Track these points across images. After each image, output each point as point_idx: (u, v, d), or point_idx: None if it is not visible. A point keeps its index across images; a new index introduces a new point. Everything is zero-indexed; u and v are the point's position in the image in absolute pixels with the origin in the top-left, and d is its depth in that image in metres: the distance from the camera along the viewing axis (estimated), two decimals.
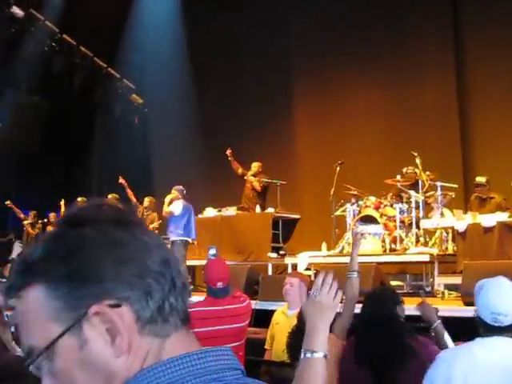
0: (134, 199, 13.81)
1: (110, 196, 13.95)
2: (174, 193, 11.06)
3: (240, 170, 12.41)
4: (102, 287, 0.86)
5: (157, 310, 0.89)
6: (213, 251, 6.97)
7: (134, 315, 0.87)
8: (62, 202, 15.01)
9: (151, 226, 13.14)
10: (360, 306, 4.22)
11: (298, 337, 4.39)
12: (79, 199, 14.49)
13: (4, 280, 6.85)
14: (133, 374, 0.87)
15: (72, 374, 0.87)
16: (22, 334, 0.91)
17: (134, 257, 0.89)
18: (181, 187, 11.14)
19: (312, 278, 9.10)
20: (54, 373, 0.88)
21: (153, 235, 0.98)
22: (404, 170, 10.55)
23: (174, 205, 10.83)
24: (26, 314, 0.90)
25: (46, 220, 16.02)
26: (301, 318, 4.48)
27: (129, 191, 13.77)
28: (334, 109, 14.15)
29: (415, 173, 10.40)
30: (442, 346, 3.98)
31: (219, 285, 4.70)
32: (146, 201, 13.41)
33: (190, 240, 10.86)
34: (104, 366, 0.87)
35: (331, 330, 4.35)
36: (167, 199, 11.00)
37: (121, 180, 13.47)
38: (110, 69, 18.11)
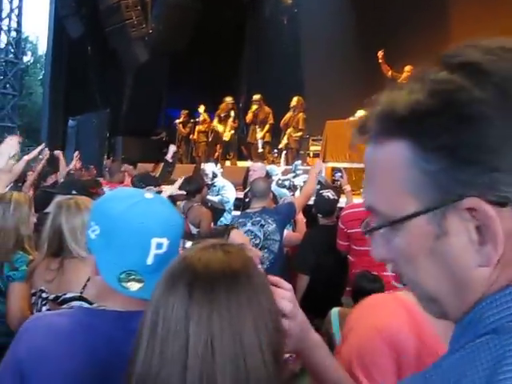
0: None
1: (255, 96, 14.16)
2: None
3: (390, 73, 11.96)
4: (491, 177, 0.67)
5: None
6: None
7: None
8: (202, 109, 15.75)
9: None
10: None
11: None
12: (227, 99, 14.93)
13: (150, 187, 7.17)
14: (494, 291, 0.72)
15: (415, 258, 0.76)
16: (366, 185, 0.81)
17: None
18: None
19: None
20: (394, 245, 0.77)
21: None
22: None
23: None
24: (379, 169, 0.77)
25: (196, 120, 16.48)
26: None
27: None
28: None
29: None
30: None
31: None
32: (294, 100, 13.40)
33: None
34: (458, 268, 0.72)
35: None
36: None
37: None
38: None
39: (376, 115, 0.76)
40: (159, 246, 1.37)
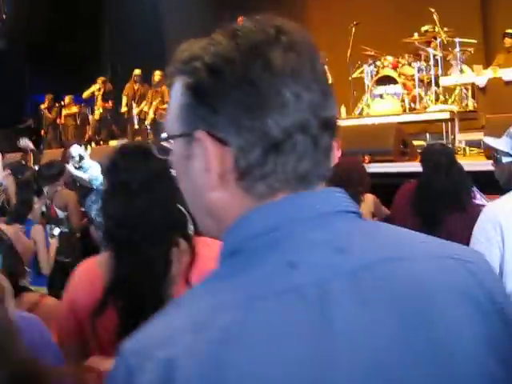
0: None
1: (136, 71, 14.01)
2: None
3: None
4: (216, 118, 0.81)
5: (257, 165, 0.81)
6: None
7: (233, 160, 0.82)
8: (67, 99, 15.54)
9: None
10: None
11: None
12: (99, 79, 14.68)
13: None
14: (229, 215, 0.84)
15: (179, 176, 0.91)
16: None
17: (260, 107, 0.80)
18: None
19: None
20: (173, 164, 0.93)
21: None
22: (422, 28, 10.27)
23: None
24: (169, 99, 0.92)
25: (62, 103, 16.04)
26: None
27: None
28: None
29: (433, 30, 10.13)
30: None
31: None
32: (156, 75, 13.30)
33: None
34: (199, 189, 0.86)
35: None
36: None
37: None
38: None
39: (173, 59, 0.90)
40: None
